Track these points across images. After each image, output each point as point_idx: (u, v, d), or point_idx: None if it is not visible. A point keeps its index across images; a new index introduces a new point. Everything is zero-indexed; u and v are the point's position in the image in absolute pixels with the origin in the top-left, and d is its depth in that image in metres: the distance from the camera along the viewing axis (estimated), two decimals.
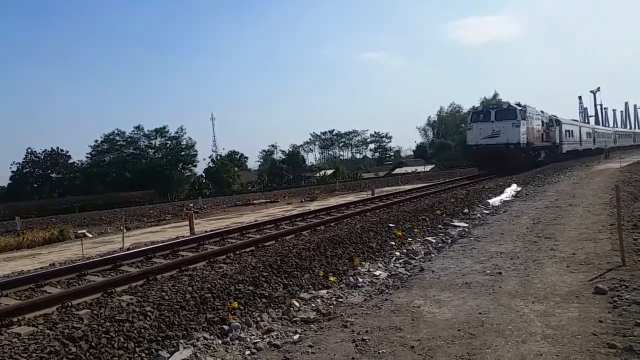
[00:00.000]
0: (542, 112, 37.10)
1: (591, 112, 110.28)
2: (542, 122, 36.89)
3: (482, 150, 31.54)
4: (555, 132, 41.13)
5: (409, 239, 10.74)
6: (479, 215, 14.06)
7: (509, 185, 21.12)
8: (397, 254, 9.45)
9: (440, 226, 12.32)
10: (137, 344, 5.04)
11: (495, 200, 16.86)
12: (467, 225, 12.43)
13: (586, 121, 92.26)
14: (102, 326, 5.27)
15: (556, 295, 6.27)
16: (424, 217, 13.24)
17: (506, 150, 30.49)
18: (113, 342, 4.97)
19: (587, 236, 9.71)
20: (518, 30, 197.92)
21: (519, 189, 20.53)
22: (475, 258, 8.60)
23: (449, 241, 10.51)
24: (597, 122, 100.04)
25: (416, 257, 9.12)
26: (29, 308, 6.16)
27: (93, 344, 4.91)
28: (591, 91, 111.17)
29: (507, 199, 17.74)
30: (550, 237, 9.97)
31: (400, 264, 8.76)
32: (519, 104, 31.94)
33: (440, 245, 10.17)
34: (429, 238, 10.77)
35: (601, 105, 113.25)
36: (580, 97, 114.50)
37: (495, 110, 31.99)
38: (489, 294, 6.53)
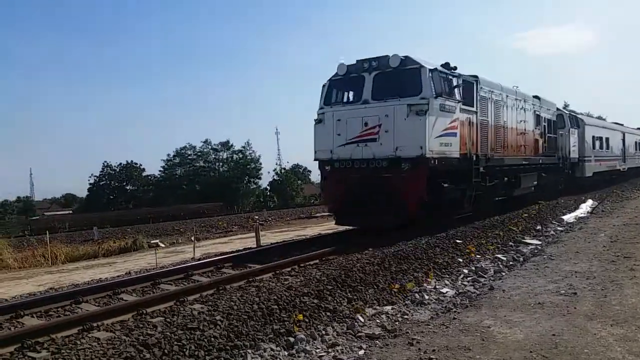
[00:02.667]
0: (537, 98, 20.01)
1: None
2: (538, 116, 19.71)
3: (339, 175, 13.12)
4: (568, 139, 23.49)
5: (478, 256, 10.45)
6: (552, 232, 13.52)
7: (584, 201, 20.15)
8: (465, 271, 9.22)
9: (511, 243, 11.92)
10: (207, 353, 5.19)
11: (569, 217, 16.15)
12: (540, 242, 11.96)
13: None
14: (174, 334, 5.48)
15: (637, 318, 5.90)
16: (493, 233, 12.85)
17: (391, 176, 12.26)
18: (184, 350, 5.15)
19: None
20: (589, 40, 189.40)
21: (595, 204, 19.53)
22: (549, 277, 8.25)
23: (521, 259, 10.14)
24: None
25: (485, 275, 8.86)
26: (107, 314, 6.51)
27: (166, 351, 5.11)
28: None
29: (582, 215, 16.96)
30: (629, 256, 9.42)
31: (468, 281, 8.54)
32: (447, 65, 13.21)
33: (511, 263, 9.83)
34: (499, 255, 10.43)
35: None
36: None
37: (375, 73, 12.84)
38: (563, 315, 6.25)
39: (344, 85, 13.51)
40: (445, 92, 12.63)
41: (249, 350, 5.33)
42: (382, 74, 12.70)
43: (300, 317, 6.32)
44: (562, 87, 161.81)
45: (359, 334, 6.04)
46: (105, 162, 68.91)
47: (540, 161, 19.57)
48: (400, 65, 12.48)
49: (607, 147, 30.98)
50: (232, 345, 5.39)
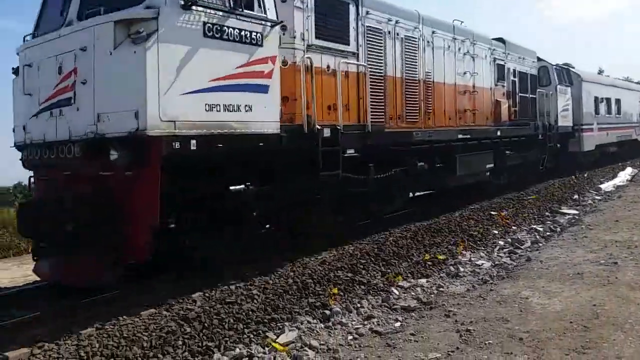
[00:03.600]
0: (500, 41, 14.46)
1: None
2: (502, 68, 14.20)
3: (36, 176, 7.21)
4: (555, 101, 17.48)
5: (514, 227, 10.29)
6: (590, 201, 13.23)
7: (623, 169, 19.61)
8: (501, 242, 9.10)
9: (547, 214, 11.70)
10: (245, 325, 5.28)
11: (607, 185, 15.79)
12: (577, 212, 11.73)
13: None
14: (213, 308, 5.60)
15: None
16: (528, 203, 12.65)
17: (108, 176, 6.09)
18: (224, 323, 5.25)
19: None
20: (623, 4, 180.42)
21: (635, 172, 18.99)
22: (588, 247, 8.09)
23: (558, 229, 9.98)
24: None
25: (522, 247, 8.73)
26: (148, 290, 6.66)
27: (206, 324, 5.22)
28: None
29: (621, 183, 16.56)
30: None
31: (504, 253, 8.43)
32: None
33: (548, 233, 9.67)
34: (536, 226, 10.27)
35: None
36: None
37: None
38: (603, 285, 6.12)
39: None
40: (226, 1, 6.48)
41: (286, 323, 5.40)
42: None
43: (335, 290, 6.35)
44: (597, 54, 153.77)
45: (395, 306, 6.04)
46: None
47: (500, 133, 13.38)
48: None
49: (618, 112, 24.38)
50: (269, 318, 5.47)
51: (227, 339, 5.01)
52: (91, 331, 5.14)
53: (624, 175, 18.30)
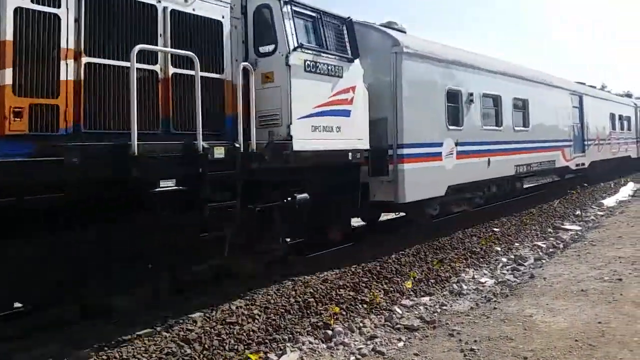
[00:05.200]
0: None
1: None
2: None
3: None
4: (286, 90, 7.06)
5: (516, 244, 10.23)
6: (592, 217, 13.17)
7: (625, 184, 19.59)
8: (504, 260, 9.03)
9: (550, 230, 11.63)
10: (246, 346, 5.22)
11: (610, 201, 15.75)
12: (580, 228, 11.68)
13: None
14: (214, 329, 5.54)
15: None
16: (530, 219, 12.60)
17: None
18: (224, 345, 5.20)
19: None
20: None
21: (637, 187, 18.96)
22: (591, 263, 8.03)
23: (561, 246, 9.93)
24: None
25: (525, 264, 8.68)
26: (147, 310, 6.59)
27: (206, 345, 5.16)
28: None
29: (624, 198, 16.51)
30: None
31: (507, 270, 8.36)
32: None
33: (551, 250, 9.61)
34: (539, 243, 10.20)
35: None
36: None
37: None
38: (608, 302, 6.07)
39: None
40: None
41: (288, 344, 5.34)
42: None
43: (337, 309, 6.29)
44: None
45: (397, 325, 5.97)
46: None
47: None
48: None
49: (525, 122, 14.22)
50: (270, 338, 5.41)
51: None
52: (89, 352, 5.08)
53: (627, 190, 18.27)
